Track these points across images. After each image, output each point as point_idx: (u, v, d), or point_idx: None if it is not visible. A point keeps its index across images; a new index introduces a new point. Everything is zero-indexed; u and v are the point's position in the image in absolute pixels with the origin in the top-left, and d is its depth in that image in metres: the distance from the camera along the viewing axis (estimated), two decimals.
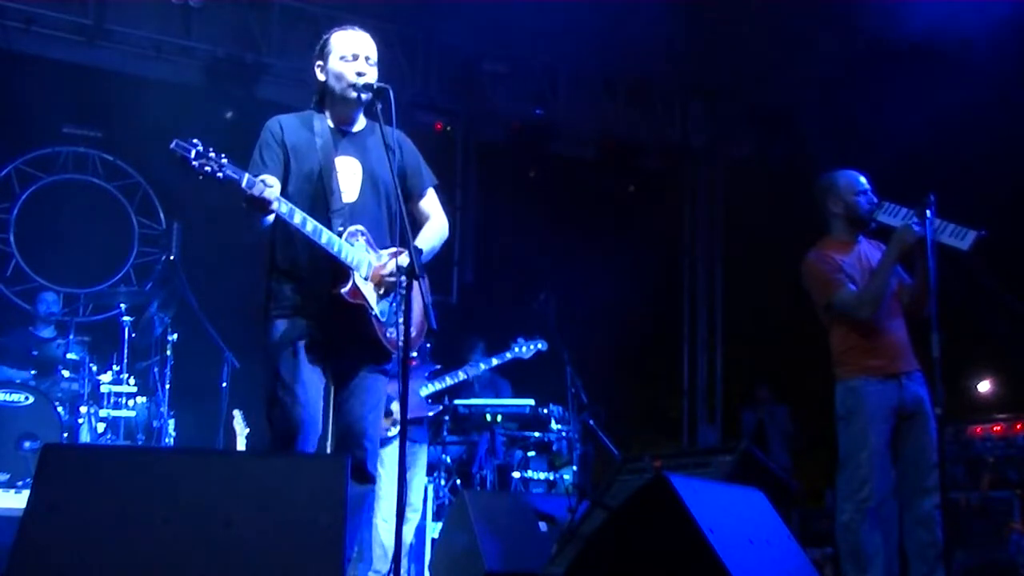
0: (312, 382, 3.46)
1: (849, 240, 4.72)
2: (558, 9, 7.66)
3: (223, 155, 3.19)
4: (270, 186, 3.28)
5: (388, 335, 3.54)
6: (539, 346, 6.46)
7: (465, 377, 6.23)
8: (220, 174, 3.17)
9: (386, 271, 3.51)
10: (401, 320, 3.53)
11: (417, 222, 3.78)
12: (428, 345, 6.38)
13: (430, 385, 5.93)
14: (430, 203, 3.82)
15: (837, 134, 8.05)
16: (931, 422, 4.38)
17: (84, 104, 8.26)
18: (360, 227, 3.50)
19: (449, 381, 6.05)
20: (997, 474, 5.79)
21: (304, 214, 3.35)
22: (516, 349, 6.42)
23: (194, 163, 3.13)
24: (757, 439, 8.95)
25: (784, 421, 9.32)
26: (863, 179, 4.74)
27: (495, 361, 6.43)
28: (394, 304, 3.56)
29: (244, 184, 3.21)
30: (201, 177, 3.15)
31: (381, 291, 3.52)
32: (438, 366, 6.12)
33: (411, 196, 3.73)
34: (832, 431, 4.62)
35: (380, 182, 3.61)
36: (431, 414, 5.97)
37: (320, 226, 3.38)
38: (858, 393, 4.51)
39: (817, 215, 4.86)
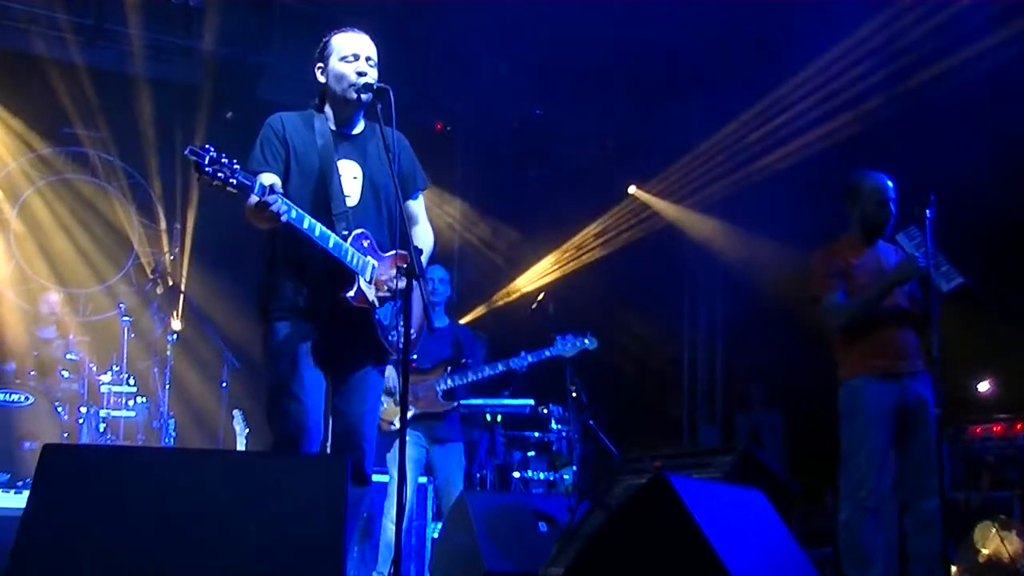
0: (315, 386, 3.45)
1: (863, 243, 4.69)
2: (558, 9, 7.65)
3: (235, 161, 3.13)
4: (279, 193, 3.21)
5: (391, 339, 3.55)
6: (586, 343, 5.73)
7: (492, 373, 5.72)
8: (233, 180, 3.09)
9: (388, 277, 3.50)
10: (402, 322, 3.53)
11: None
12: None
13: (449, 380, 5.69)
14: (418, 207, 3.82)
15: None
16: (933, 424, 4.35)
17: (84, 104, 8.25)
18: (364, 231, 3.50)
19: (471, 377, 5.74)
20: (997, 474, 5.79)
21: (311, 219, 3.32)
22: (559, 345, 5.69)
23: (207, 169, 3.05)
24: (752, 443, 8.87)
25: (777, 429, 9.19)
26: (890, 185, 4.63)
27: (530, 359, 5.68)
28: (396, 307, 3.56)
29: (256, 192, 3.16)
30: (213, 184, 3.08)
31: (384, 295, 3.52)
32: (468, 360, 5.91)
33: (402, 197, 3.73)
34: (830, 431, 4.62)
35: (379, 186, 3.60)
36: (450, 409, 5.75)
37: (327, 230, 3.36)
38: (859, 392, 4.52)
39: (822, 211, 4.84)
